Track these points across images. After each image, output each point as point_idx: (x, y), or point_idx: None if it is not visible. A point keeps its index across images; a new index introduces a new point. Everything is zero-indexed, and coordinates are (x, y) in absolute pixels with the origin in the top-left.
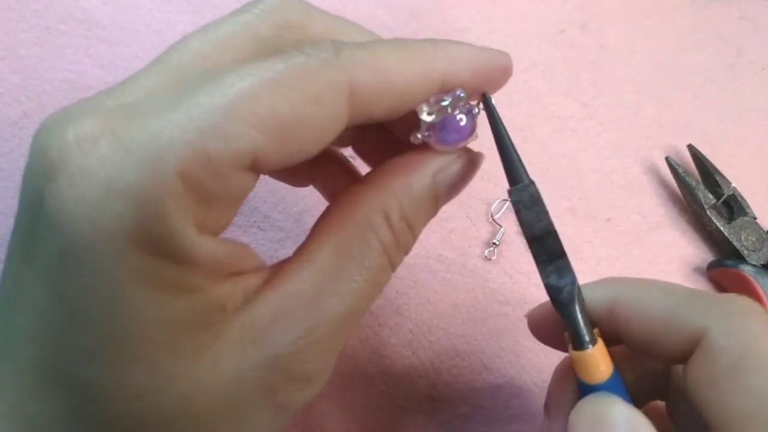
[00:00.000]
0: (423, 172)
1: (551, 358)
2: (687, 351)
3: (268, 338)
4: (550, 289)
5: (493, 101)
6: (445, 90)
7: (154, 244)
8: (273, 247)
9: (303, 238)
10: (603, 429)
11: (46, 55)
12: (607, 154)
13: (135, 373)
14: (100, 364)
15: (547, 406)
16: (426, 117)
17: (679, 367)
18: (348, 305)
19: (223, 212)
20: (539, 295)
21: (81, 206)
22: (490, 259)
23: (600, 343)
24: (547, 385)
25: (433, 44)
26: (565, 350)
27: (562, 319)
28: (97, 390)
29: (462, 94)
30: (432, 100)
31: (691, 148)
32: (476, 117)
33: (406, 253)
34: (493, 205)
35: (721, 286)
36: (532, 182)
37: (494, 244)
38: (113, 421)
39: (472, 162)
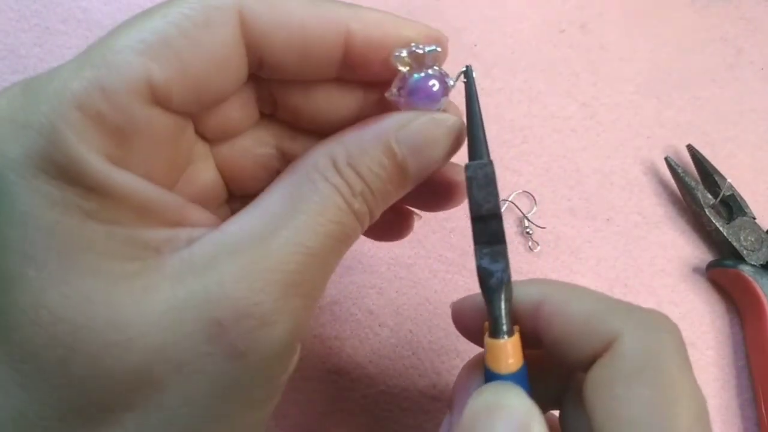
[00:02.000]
0: (377, 125)
1: None
2: (598, 354)
3: (209, 270)
4: (481, 272)
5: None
6: (412, 42)
7: (59, 169)
8: None
9: None
10: (498, 415)
11: (46, 55)
12: (607, 154)
13: (54, 295)
14: (20, 288)
15: (451, 402)
16: (400, 65)
17: (580, 377)
18: (302, 239)
19: (145, 151)
20: None
21: None
22: None
23: (516, 337)
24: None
25: (345, 4)
26: (483, 345)
27: (485, 305)
28: (21, 315)
29: (438, 48)
30: (407, 49)
31: (690, 148)
32: (449, 87)
33: (369, 203)
34: None
35: (720, 286)
36: (490, 162)
37: None
38: (41, 348)
39: (440, 123)
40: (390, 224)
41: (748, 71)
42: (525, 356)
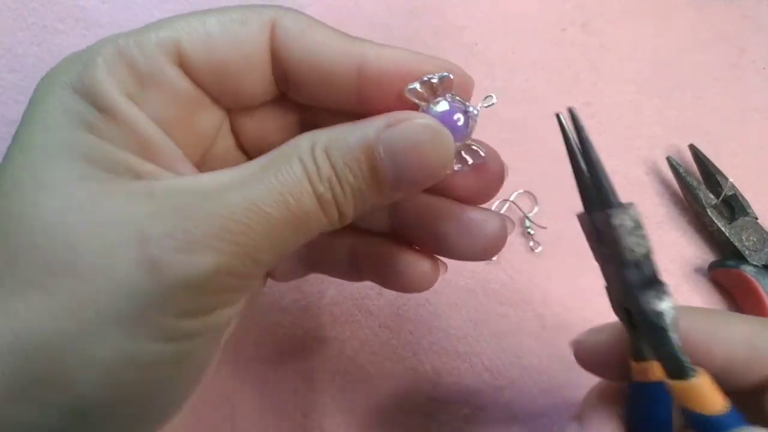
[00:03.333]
0: (364, 124)
1: (552, 360)
2: None
3: (159, 199)
4: (650, 315)
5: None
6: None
7: (82, 87)
8: None
9: None
10: None
11: (44, 54)
12: (608, 153)
13: (26, 177)
14: (2, 166)
15: (581, 417)
16: (415, 98)
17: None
18: (258, 201)
19: (161, 102)
20: (540, 296)
21: (49, 74)
22: (491, 260)
23: (705, 371)
24: (548, 387)
25: (368, 41)
26: (615, 378)
27: (653, 345)
28: None
29: (449, 75)
30: (418, 81)
31: (692, 147)
32: (473, 116)
33: (336, 193)
34: (493, 206)
35: (722, 287)
36: (632, 203)
37: None
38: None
39: (425, 129)
40: (413, 273)
41: (751, 70)
42: None
